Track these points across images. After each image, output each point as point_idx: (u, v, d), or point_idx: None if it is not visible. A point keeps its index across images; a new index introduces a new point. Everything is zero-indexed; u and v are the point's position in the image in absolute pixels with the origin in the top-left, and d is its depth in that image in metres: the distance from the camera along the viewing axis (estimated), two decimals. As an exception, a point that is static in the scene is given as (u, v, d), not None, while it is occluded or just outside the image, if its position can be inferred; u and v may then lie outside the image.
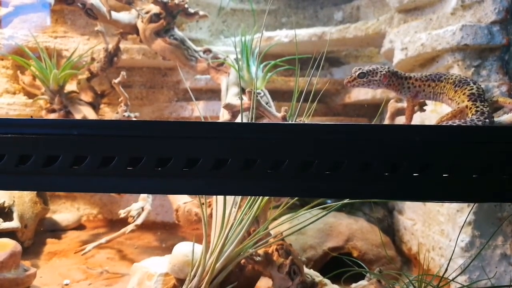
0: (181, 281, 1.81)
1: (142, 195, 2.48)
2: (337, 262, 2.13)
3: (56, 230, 2.98)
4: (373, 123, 1.85)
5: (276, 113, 1.72)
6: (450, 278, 1.74)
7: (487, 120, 1.34)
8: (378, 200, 2.71)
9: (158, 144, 0.89)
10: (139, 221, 2.40)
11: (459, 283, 1.91)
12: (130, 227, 2.38)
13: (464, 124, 1.32)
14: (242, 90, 2.12)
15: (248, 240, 1.75)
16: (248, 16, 3.45)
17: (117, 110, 2.71)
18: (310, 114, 1.80)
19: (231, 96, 2.33)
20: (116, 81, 2.57)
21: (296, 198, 1.91)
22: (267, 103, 1.92)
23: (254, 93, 1.70)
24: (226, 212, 1.72)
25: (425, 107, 1.71)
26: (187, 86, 2.42)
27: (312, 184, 0.91)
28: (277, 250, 1.79)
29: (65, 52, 3.11)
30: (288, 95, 3.11)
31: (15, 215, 2.46)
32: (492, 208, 1.99)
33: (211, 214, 1.98)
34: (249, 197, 1.73)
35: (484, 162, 0.89)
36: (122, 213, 2.42)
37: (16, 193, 2.55)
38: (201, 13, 2.63)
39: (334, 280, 1.90)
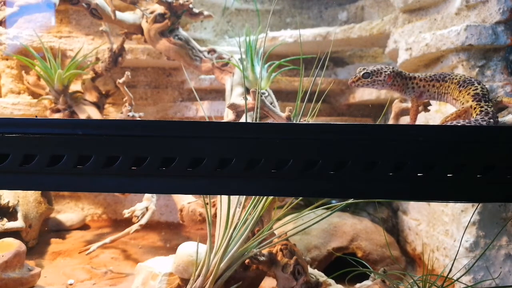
0: (185, 281, 1.81)
1: (147, 195, 2.49)
2: (342, 262, 2.12)
3: (61, 230, 2.99)
4: (377, 123, 1.85)
5: (281, 113, 1.72)
6: (455, 278, 1.74)
7: (491, 120, 1.34)
8: (382, 200, 2.71)
9: (163, 144, 0.89)
10: (143, 221, 2.40)
11: (463, 283, 1.91)
12: (134, 227, 2.39)
13: (468, 124, 1.32)
14: (247, 90, 2.12)
15: (252, 240, 1.75)
16: (253, 16, 3.46)
17: (122, 110, 2.72)
18: (314, 114, 1.80)
19: (235, 96, 2.33)
20: (120, 81, 2.58)
21: (300, 198, 1.91)
22: (271, 103, 1.92)
23: (258, 93, 1.70)
24: (230, 212, 1.72)
25: (429, 107, 1.71)
26: (191, 86, 2.42)
27: (316, 184, 0.91)
28: (281, 250, 1.79)
29: (70, 52, 3.12)
30: (293, 95, 3.11)
31: (19, 215, 2.47)
32: (497, 208, 1.99)
33: (215, 214, 1.99)
34: (253, 197, 1.73)
35: (488, 162, 0.89)
36: (126, 213, 2.43)
37: (20, 193, 2.56)
38: (205, 13, 2.63)
39: (338, 280, 1.90)
